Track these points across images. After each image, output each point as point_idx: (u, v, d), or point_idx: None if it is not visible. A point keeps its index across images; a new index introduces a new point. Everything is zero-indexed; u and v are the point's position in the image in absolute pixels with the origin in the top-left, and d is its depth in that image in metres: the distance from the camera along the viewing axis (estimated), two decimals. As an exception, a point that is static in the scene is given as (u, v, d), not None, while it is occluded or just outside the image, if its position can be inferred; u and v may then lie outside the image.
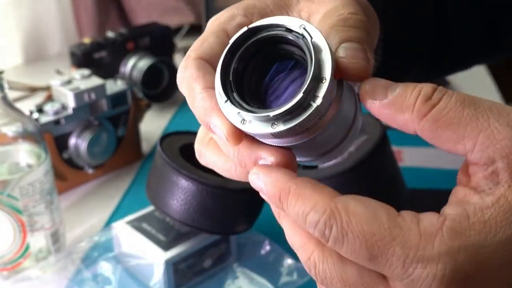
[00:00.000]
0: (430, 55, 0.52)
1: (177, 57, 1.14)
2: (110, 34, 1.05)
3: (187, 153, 0.62)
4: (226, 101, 0.32)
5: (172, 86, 1.06)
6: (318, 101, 0.30)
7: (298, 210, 0.31)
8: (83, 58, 0.99)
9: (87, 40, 1.03)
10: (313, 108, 0.30)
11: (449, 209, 0.30)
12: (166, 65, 1.04)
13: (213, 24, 0.39)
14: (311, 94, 0.30)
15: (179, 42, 1.28)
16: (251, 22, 0.38)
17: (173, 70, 1.05)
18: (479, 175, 0.30)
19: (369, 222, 0.29)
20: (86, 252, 0.67)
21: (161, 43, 1.08)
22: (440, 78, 0.55)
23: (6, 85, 0.61)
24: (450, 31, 0.52)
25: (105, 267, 0.64)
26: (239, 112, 0.31)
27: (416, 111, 0.30)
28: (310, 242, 0.32)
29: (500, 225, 0.28)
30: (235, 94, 0.32)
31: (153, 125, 1.00)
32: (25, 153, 0.64)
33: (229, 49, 0.33)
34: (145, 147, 0.93)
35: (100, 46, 1.02)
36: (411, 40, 0.50)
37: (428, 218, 0.29)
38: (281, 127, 0.31)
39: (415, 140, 0.93)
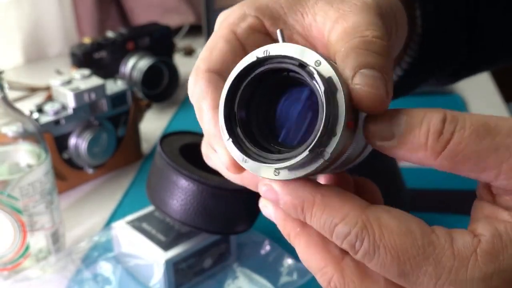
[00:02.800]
0: (463, 52, 0.50)
1: (177, 57, 1.14)
2: (110, 34, 1.05)
3: (187, 153, 0.62)
4: (228, 139, 0.30)
5: (172, 86, 1.06)
6: (326, 156, 0.28)
7: (325, 221, 0.29)
8: (83, 58, 0.99)
9: (87, 40, 1.03)
10: (320, 162, 0.29)
11: (481, 229, 0.29)
12: (166, 65, 1.04)
13: (222, 25, 0.37)
14: (319, 149, 0.28)
15: (179, 42, 1.28)
16: (262, 25, 0.37)
17: (173, 70, 1.05)
18: (506, 197, 0.29)
19: (402, 237, 0.28)
20: (86, 252, 0.67)
21: (161, 43, 1.08)
22: (469, 76, 0.53)
23: (6, 85, 0.61)
24: (483, 28, 0.50)
25: (105, 267, 0.64)
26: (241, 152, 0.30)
27: (430, 150, 0.28)
28: (329, 265, 0.31)
29: None
30: (239, 130, 0.31)
31: (153, 125, 1.00)
32: (25, 153, 0.64)
33: (234, 78, 0.31)
34: (145, 147, 0.93)
35: (100, 46, 1.02)
36: (448, 36, 0.47)
37: (462, 238, 0.28)
38: (285, 175, 0.29)
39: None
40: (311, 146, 0.28)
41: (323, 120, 0.28)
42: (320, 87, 0.28)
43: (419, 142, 0.28)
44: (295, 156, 0.28)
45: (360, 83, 0.29)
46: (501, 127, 0.28)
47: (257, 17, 0.37)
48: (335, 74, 0.29)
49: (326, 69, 0.29)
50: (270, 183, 0.31)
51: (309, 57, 0.29)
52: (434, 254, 0.28)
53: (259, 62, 0.30)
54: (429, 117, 0.28)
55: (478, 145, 0.27)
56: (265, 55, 0.30)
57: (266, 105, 0.32)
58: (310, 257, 0.32)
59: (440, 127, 0.28)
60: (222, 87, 0.32)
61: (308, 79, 0.29)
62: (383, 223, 0.29)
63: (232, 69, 0.32)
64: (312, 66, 0.28)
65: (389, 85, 0.30)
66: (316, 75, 0.28)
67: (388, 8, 0.36)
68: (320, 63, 0.29)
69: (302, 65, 0.29)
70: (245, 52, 0.36)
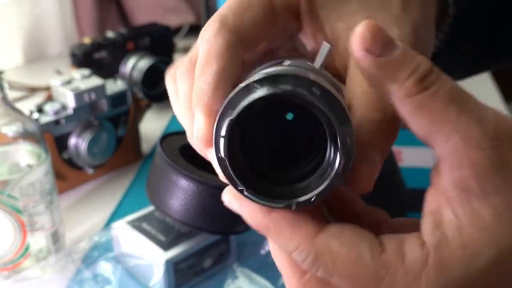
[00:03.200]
0: (492, 41, 0.49)
1: (177, 57, 1.14)
2: (110, 34, 1.05)
3: (187, 153, 0.62)
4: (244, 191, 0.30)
5: (172, 86, 1.06)
6: (326, 196, 0.29)
7: (281, 246, 0.30)
8: (83, 58, 0.99)
9: (87, 40, 1.03)
10: (319, 200, 0.29)
11: (428, 236, 0.28)
12: (166, 65, 1.04)
13: None
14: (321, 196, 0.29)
15: (179, 42, 1.28)
16: (297, 8, 0.35)
17: (173, 70, 1.04)
18: (447, 178, 0.28)
19: (353, 265, 0.28)
20: (86, 252, 0.67)
21: (161, 43, 1.08)
22: (491, 68, 0.52)
23: (6, 85, 0.61)
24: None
25: (105, 267, 0.64)
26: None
27: (405, 88, 0.28)
28: (293, 276, 0.31)
29: (478, 246, 0.27)
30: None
31: (153, 125, 1.00)
32: (25, 153, 0.64)
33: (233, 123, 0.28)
34: (145, 147, 0.93)
35: (100, 46, 1.02)
36: (480, 19, 0.46)
37: (412, 251, 0.28)
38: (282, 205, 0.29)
39: (415, 140, 0.93)
40: (313, 197, 0.29)
41: (330, 179, 0.28)
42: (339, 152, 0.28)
43: (401, 75, 0.28)
44: (295, 200, 0.29)
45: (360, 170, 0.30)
46: (470, 100, 0.28)
47: None
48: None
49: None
50: (230, 201, 0.32)
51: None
52: (387, 276, 0.28)
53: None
54: (420, 59, 0.28)
55: (447, 106, 0.27)
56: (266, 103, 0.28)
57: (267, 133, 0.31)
58: (277, 260, 0.32)
59: (426, 73, 0.28)
60: (239, 57, 0.33)
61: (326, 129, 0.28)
62: (334, 251, 0.29)
63: (258, 37, 0.32)
64: (337, 128, 0.28)
65: (382, 155, 0.32)
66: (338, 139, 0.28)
67: (422, 33, 0.36)
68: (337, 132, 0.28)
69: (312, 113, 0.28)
70: (274, 24, 0.35)
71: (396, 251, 0.28)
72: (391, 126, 0.33)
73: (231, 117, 0.28)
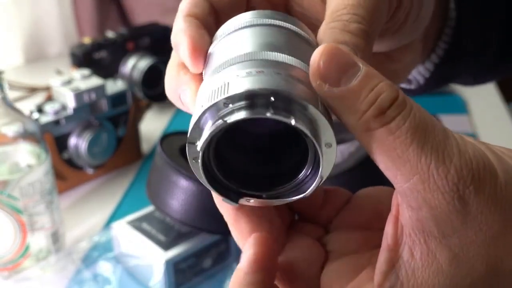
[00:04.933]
0: (500, 44, 0.46)
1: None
2: (110, 34, 1.05)
3: (187, 153, 0.62)
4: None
5: (172, 86, 1.06)
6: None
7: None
8: (83, 58, 0.99)
9: (87, 40, 1.03)
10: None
11: (381, 277, 0.27)
12: (166, 65, 1.04)
13: None
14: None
15: (179, 42, 1.28)
16: None
17: (173, 70, 1.04)
18: (406, 216, 0.26)
19: None
20: (86, 252, 0.67)
21: (161, 43, 1.08)
22: (505, 74, 0.50)
23: (6, 85, 0.61)
24: None
25: (105, 267, 0.64)
26: None
27: (363, 122, 0.25)
28: None
29: None
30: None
31: (153, 125, 1.00)
32: (25, 153, 0.64)
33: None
34: (145, 147, 0.93)
35: (100, 46, 1.02)
36: (484, 23, 0.44)
37: None
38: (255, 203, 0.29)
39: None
40: (292, 200, 0.28)
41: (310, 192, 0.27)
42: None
43: (358, 107, 0.25)
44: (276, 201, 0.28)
45: (325, 49, 0.27)
46: (436, 135, 0.25)
47: None
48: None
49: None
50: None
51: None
52: None
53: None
54: (382, 88, 0.25)
55: (408, 145, 0.25)
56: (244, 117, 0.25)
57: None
58: None
59: (387, 106, 0.25)
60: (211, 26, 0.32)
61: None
62: None
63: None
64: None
65: (362, 57, 0.28)
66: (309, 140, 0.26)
67: None
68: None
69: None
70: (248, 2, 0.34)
71: None
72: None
73: (202, 143, 0.26)
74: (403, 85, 0.47)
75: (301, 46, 0.30)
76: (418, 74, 0.45)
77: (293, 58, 0.27)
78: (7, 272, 0.64)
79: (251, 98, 0.25)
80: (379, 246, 0.28)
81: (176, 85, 0.33)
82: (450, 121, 0.98)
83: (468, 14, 0.43)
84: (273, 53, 0.27)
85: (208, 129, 0.25)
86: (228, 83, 0.26)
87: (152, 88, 1.04)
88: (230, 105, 0.25)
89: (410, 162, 0.25)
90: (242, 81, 0.25)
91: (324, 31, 0.30)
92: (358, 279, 0.29)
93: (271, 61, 0.27)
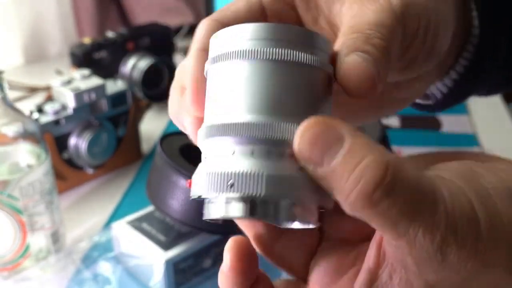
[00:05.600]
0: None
1: (177, 57, 1.14)
2: (110, 34, 1.05)
3: (187, 153, 0.62)
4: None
5: (172, 86, 1.06)
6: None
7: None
8: (83, 58, 0.99)
9: (87, 40, 1.03)
10: None
11: None
12: (166, 65, 1.04)
13: None
14: None
15: (179, 42, 1.28)
16: (293, 9, 0.35)
17: (173, 70, 1.04)
18: (390, 251, 0.27)
19: None
20: (86, 252, 0.67)
21: (161, 43, 1.08)
22: None
23: (6, 85, 0.61)
24: None
25: (105, 267, 0.64)
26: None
27: (349, 203, 0.24)
28: None
29: None
30: None
31: (153, 125, 1.00)
32: (25, 153, 0.64)
33: None
34: (145, 147, 0.93)
35: (100, 46, 1.02)
36: (507, 37, 0.43)
37: None
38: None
39: (415, 140, 0.93)
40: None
41: None
42: None
43: (343, 187, 0.24)
44: None
45: (352, 61, 0.28)
46: (425, 202, 0.25)
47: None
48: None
49: None
50: None
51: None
52: None
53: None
54: (366, 166, 0.24)
55: (394, 223, 0.24)
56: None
57: None
58: None
59: (371, 189, 0.24)
60: None
61: None
62: None
63: None
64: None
65: (382, 74, 0.28)
66: None
67: (420, 8, 0.33)
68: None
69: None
70: (264, 19, 0.35)
71: None
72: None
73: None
74: (420, 101, 0.45)
75: (311, 91, 0.27)
76: (436, 89, 0.44)
77: (294, 126, 0.26)
78: (7, 272, 0.64)
79: (254, 205, 0.27)
80: (368, 238, 0.29)
81: (178, 110, 0.34)
82: (450, 121, 0.98)
83: (490, 31, 0.42)
84: (271, 125, 0.26)
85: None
86: (226, 174, 0.26)
87: (152, 88, 1.04)
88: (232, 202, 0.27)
89: (397, 232, 0.25)
90: (238, 181, 0.26)
91: (344, 41, 0.30)
92: (340, 283, 0.30)
93: (266, 139, 0.26)
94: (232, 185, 0.26)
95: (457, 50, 0.42)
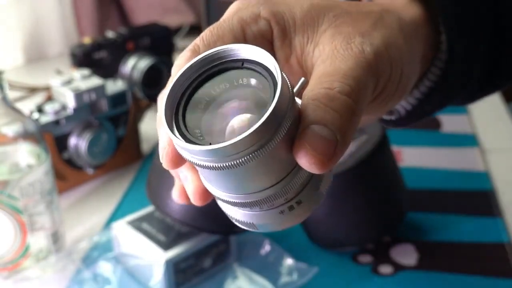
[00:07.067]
0: (487, 68, 0.46)
1: (177, 57, 1.14)
2: (110, 34, 1.05)
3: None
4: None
5: (172, 86, 1.06)
6: None
7: None
8: (83, 58, 0.99)
9: (87, 40, 1.03)
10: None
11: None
12: (166, 65, 1.04)
13: (234, 17, 0.36)
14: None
15: (179, 42, 1.28)
16: (270, 33, 0.36)
17: (173, 70, 1.04)
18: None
19: None
20: (86, 252, 0.67)
21: (161, 43, 1.08)
22: (493, 93, 0.49)
23: (6, 85, 0.61)
24: (505, 42, 0.45)
25: (105, 267, 0.64)
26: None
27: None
28: None
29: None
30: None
31: (153, 125, 0.99)
32: (25, 153, 0.64)
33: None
34: (145, 147, 0.93)
35: (100, 46, 1.02)
36: (474, 62, 0.44)
37: None
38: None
39: (415, 140, 0.93)
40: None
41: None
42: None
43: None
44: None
45: (307, 140, 0.29)
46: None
47: (269, 24, 0.36)
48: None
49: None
50: None
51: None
52: None
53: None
54: None
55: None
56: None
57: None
58: None
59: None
60: None
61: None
62: None
63: None
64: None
65: (339, 147, 0.29)
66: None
67: (394, 53, 0.35)
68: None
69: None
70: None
71: None
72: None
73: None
74: (384, 116, 0.46)
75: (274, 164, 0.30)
76: (400, 106, 0.44)
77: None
78: (7, 272, 0.64)
79: None
80: None
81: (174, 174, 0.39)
82: (450, 121, 0.98)
83: (459, 55, 0.42)
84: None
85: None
86: None
87: (152, 88, 1.04)
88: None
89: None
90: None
91: (307, 102, 0.31)
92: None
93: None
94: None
95: (422, 71, 0.42)
